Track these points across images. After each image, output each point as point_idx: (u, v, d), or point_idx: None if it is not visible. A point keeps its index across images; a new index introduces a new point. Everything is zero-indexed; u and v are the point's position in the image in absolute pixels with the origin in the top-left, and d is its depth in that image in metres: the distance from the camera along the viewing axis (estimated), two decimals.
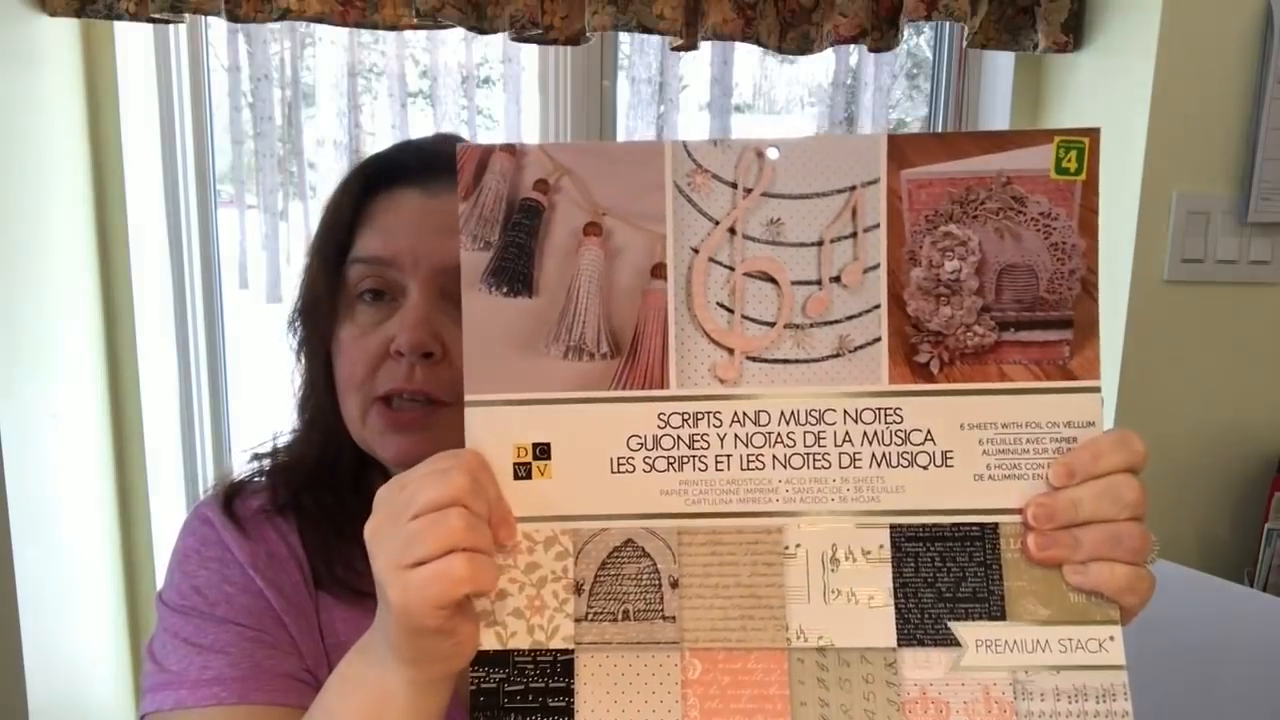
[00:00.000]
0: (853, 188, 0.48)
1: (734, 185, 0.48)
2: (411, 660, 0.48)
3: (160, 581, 0.68)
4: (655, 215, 0.49)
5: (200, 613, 0.64)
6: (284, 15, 1.19)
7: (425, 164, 0.66)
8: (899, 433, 0.48)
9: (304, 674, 0.64)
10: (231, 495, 0.69)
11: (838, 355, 0.48)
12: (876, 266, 0.48)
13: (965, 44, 1.35)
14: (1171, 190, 1.24)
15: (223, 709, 0.60)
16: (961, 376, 0.48)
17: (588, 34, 1.23)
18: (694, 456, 0.48)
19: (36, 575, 1.25)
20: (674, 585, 0.48)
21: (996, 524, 0.47)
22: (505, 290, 0.49)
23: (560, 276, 0.49)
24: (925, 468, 0.48)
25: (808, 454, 0.48)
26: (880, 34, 1.29)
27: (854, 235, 0.48)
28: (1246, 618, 1.06)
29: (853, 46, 1.32)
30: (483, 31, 1.21)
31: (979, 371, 0.48)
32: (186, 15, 1.20)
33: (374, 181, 0.67)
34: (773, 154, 0.48)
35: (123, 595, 1.46)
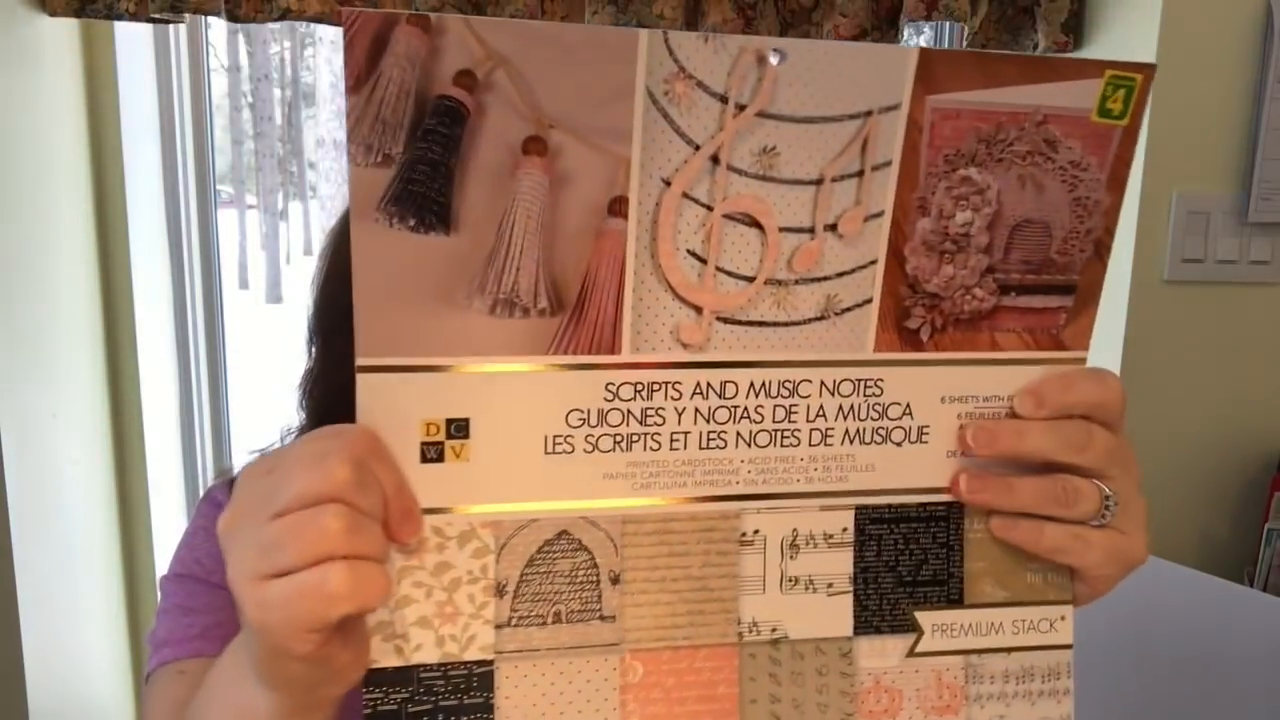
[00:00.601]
0: (868, 113, 0.39)
1: (724, 99, 0.38)
2: (277, 686, 0.39)
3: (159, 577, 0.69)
4: (619, 132, 0.38)
5: (196, 579, 0.64)
6: (284, 15, 1.19)
7: None
8: (877, 406, 0.43)
9: None
10: None
11: (822, 318, 0.42)
12: (880, 214, 0.41)
13: (965, 44, 1.35)
14: (1171, 190, 1.24)
15: (200, 660, 0.59)
16: (951, 345, 0.43)
17: None
18: (646, 434, 0.41)
19: (36, 575, 1.25)
20: (614, 581, 0.42)
21: (963, 503, 0.45)
22: (412, 223, 0.37)
23: (489, 208, 0.38)
24: (899, 444, 0.43)
25: (775, 430, 0.42)
26: (880, 34, 1.29)
27: (860, 174, 0.40)
28: (1246, 618, 1.06)
29: None
30: None
31: (969, 339, 0.43)
32: (186, 15, 1.20)
33: None
34: (777, 59, 0.38)
35: (123, 595, 1.46)
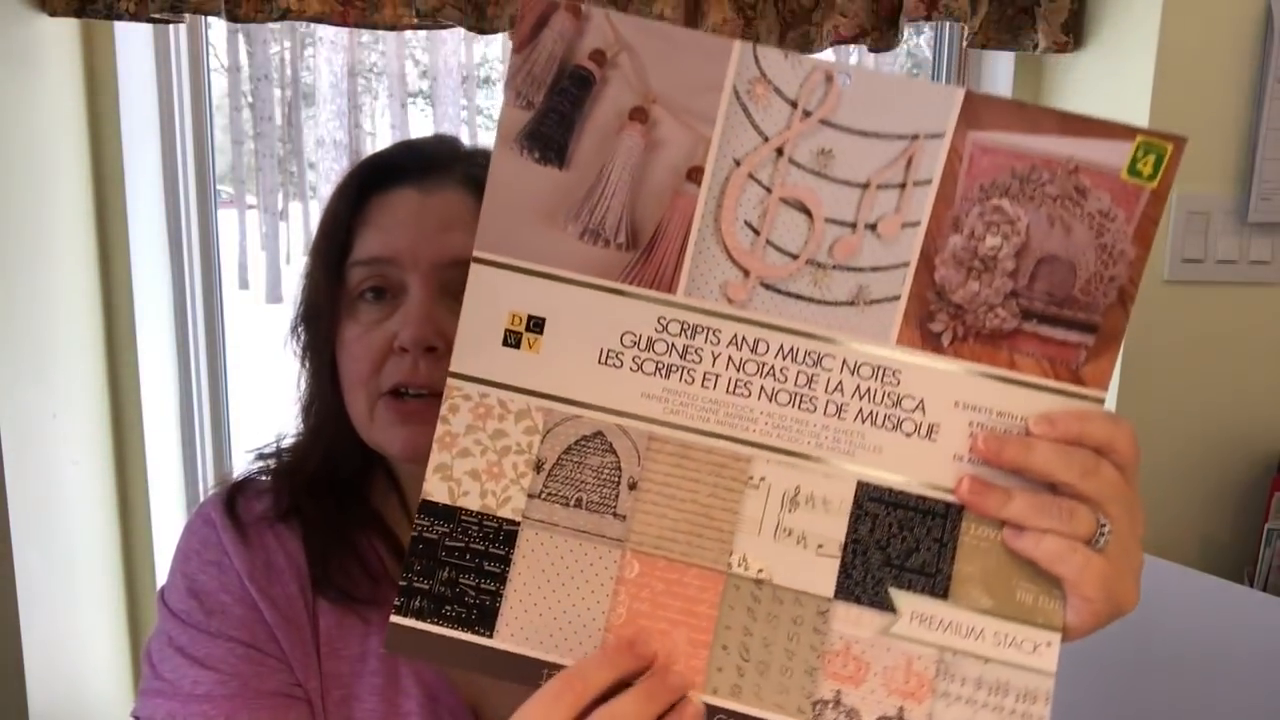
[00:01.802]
0: (915, 136, 0.46)
1: (794, 104, 0.46)
2: None
3: (160, 579, 0.68)
4: (706, 116, 0.46)
5: (196, 621, 0.64)
6: (284, 15, 1.19)
7: (420, 163, 0.67)
8: (892, 395, 0.47)
9: (293, 688, 0.64)
10: (235, 495, 0.69)
11: (852, 304, 0.47)
12: (916, 223, 0.46)
13: (965, 44, 1.35)
14: (1172, 190, 1.24)
15: None
16: (970, 355, 0.47)
17: None
18: (683, 367, 0.48)
19: (36, 575, 1.25)
20: (632, 487, 0.48)
21: (963, 506, 0.47)
22: (537, 155, 0.47)
23: (595, 155, 0.47)
24: (909, 435, 0.47)
25: (796, 393, 0.47)
26: (880, 34, 1.29)
27: (902, 186, 0.46)
28: (1246, 618, 1.06)
29: (853, 46, 1.32)
30: (483, 31, 1.21)
31: (988, 354, 0.47)
32: (186, 15, 1.20)
33: (370, 183, 0.67)
34: (843, 81, 0.45)
35: (123, 595, 1.46)
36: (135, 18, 1.21)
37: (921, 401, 0.47)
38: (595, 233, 0.48)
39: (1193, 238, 1.25)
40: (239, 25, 1.21)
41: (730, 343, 0.47)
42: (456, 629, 0.48)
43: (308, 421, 0.71)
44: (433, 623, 0.48)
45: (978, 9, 1.30)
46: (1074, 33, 1.33)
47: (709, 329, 0.47)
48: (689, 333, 0.47)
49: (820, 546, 0.47)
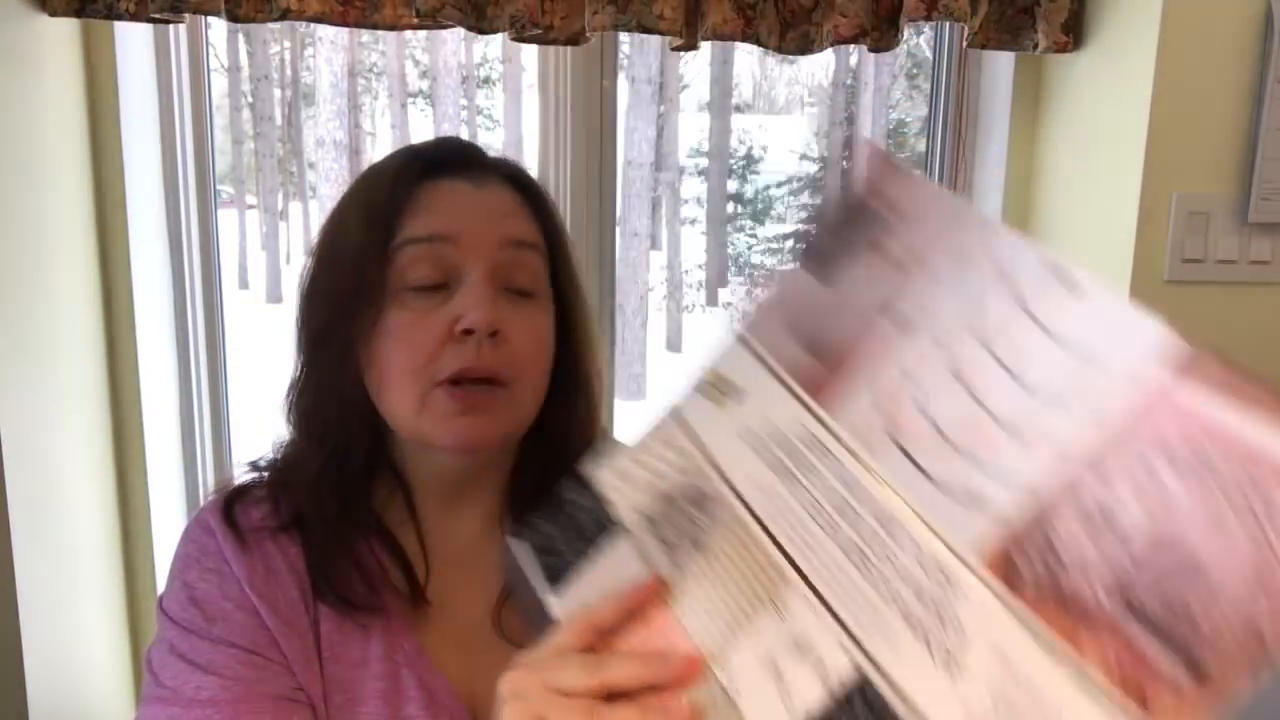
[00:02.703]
0: (1111, 365, 0.42)
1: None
2: None
3: (160, 583, 0.68)
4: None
5: (197, 628, 0.64)
6: (284, 15, 1.19)
7: (462, 159, 0.68)
8: (944, 610, 0.42)
9: (295, 692, 0.64)
10: (233, 500, 0.69)
11: (961, 501, 0.43)
12: (1066, 457, 0.41)
13: (965, 44, 1.35)
14: (1171, 190, 1.24)
15: None
16: (1040, 611, 0.40)
17: (587, 34, 1.23)
18: (795, 476, 0.50)
19: (36, 575, 1.25)
20: (697, 546, 0.52)
21: None
22: (814, 269, 0.54)
23: (853, 302, 0.51)
24: (933, 659, 0.42)
25: (863, 553, 0.46)
26: (880, 34, 1.29)
27: (1070, 409, 0.42)
28: None
29: (853, 46, 1.32)
30: (483, 31, 1.21)
31: (1059, 622, 0.39)
32: (186, 15, 1.20)
33: (414, 174, 0.67)
34: (1068, 282, 0.47)
35: (123, 596, 1.46)
36: (135, 18, 1.21)
37: (964, 632, 0.41)
38: (812, 347, 0.52)
39: (1193, 238, 1.25)
40: (239, 25, 1.21)
41: (840, 479, 0.48)
42: (538, 573, 0.56)
43: (310, 421, 0.71)
44: (532, 552, 0.57)
45: (978, 9, 1.30)
46: (1074, 33, 1.33)
47: (835, 456, 0.49)
48: (819, 451, 0.49)
49: (793, 701, 0.45)
